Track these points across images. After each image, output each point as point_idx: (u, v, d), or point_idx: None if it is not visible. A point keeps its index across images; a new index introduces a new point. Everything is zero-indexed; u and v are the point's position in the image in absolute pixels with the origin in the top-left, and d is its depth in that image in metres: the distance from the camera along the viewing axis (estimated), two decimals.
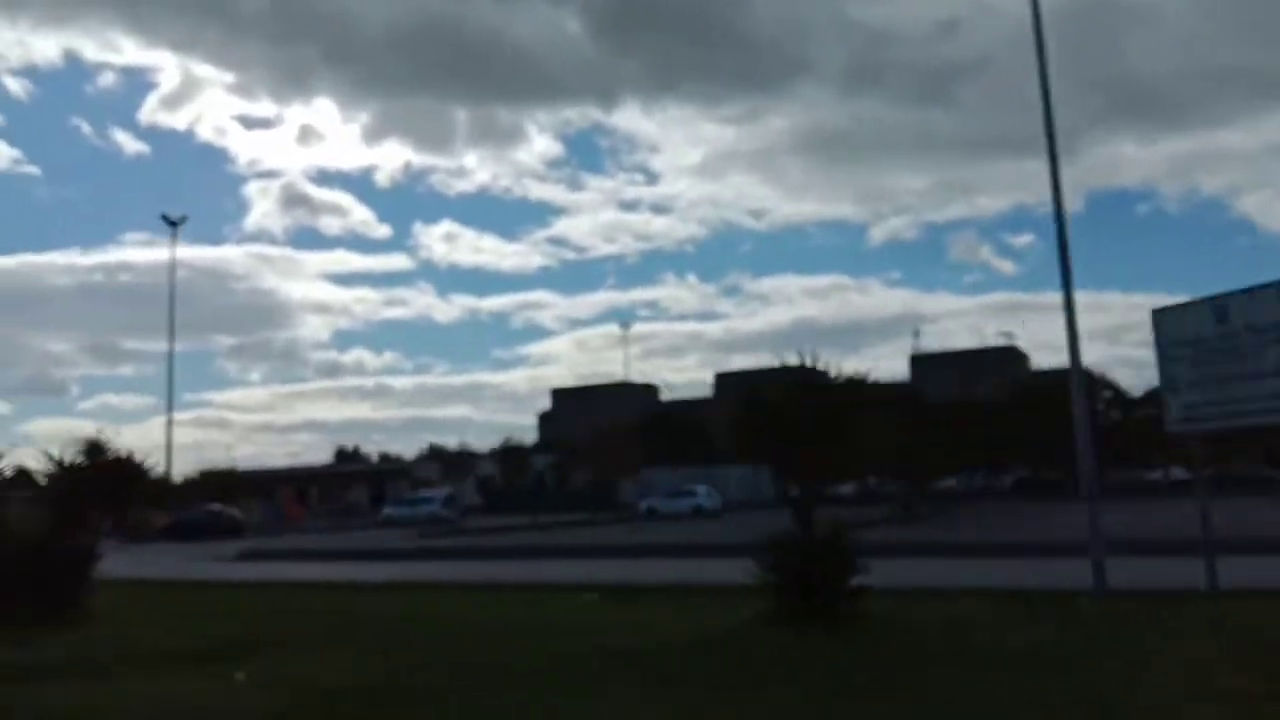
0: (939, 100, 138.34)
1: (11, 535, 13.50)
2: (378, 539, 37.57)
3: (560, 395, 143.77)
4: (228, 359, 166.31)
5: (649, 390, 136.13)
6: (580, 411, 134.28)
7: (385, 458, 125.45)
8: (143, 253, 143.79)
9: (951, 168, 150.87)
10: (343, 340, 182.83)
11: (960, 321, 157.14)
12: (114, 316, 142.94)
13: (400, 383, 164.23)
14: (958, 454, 57.89)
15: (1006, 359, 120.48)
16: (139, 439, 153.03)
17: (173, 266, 63.21)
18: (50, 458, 13.80)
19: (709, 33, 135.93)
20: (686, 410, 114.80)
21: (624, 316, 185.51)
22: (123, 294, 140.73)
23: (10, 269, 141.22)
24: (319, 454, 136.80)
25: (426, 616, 12.48)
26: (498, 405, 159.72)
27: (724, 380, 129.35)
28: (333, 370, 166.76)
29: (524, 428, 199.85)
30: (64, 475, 13.80)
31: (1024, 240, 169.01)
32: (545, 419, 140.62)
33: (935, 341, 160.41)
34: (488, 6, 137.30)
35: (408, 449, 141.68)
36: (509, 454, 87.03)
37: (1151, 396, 71.14)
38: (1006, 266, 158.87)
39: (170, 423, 58.97)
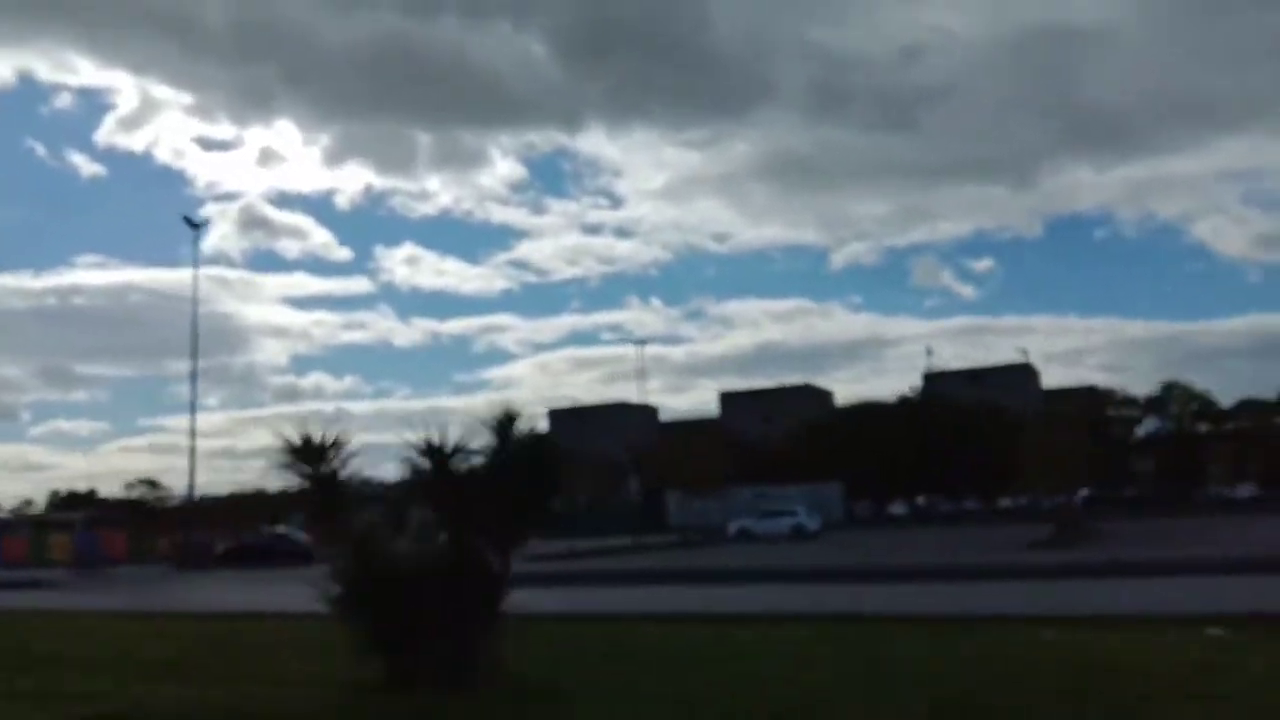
0: (901, 126, 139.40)
1: (404, 560, 9.42)
2: None
3: (557, 416, 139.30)
4: (184, 383, 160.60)
5: (647, 411, 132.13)
6: (579, 433, 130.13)
7: (366, 482, 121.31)
8: (96, 275, 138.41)
9: (912, 193, 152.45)
10: (301, 364, 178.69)
11: (922, 345, 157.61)
12: (67, 340, 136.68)
13: (360, 407, 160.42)
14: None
15: (1019, 376, 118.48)
16: (93, 466, 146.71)
17: (195, 272, 58.49)
18: (432, 445, 9.66)
19: (673, 57, 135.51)
20: (692, 430, 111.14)
21: (587, 340, 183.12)
22: (76, 318, 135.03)
23: None
24: (277, 480, 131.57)
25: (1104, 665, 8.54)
26: (459, 431, 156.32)
27: (731, 400, 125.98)
28: (291, 395, 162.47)
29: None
30: (453, 469, 9.67)
31: (984, 265, 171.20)
32: None
33: (897, 365, 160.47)
34: (451, 28, 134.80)
35: (372, 475, 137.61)
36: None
37: (1246, 406, 67.82)
38: (967, 291, 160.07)
39: (193, 450, 53.91)
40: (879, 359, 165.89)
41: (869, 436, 67.25)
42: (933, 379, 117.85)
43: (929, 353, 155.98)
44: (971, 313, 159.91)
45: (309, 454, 10.06)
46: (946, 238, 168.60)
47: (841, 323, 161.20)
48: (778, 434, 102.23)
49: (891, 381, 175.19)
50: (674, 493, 66.08)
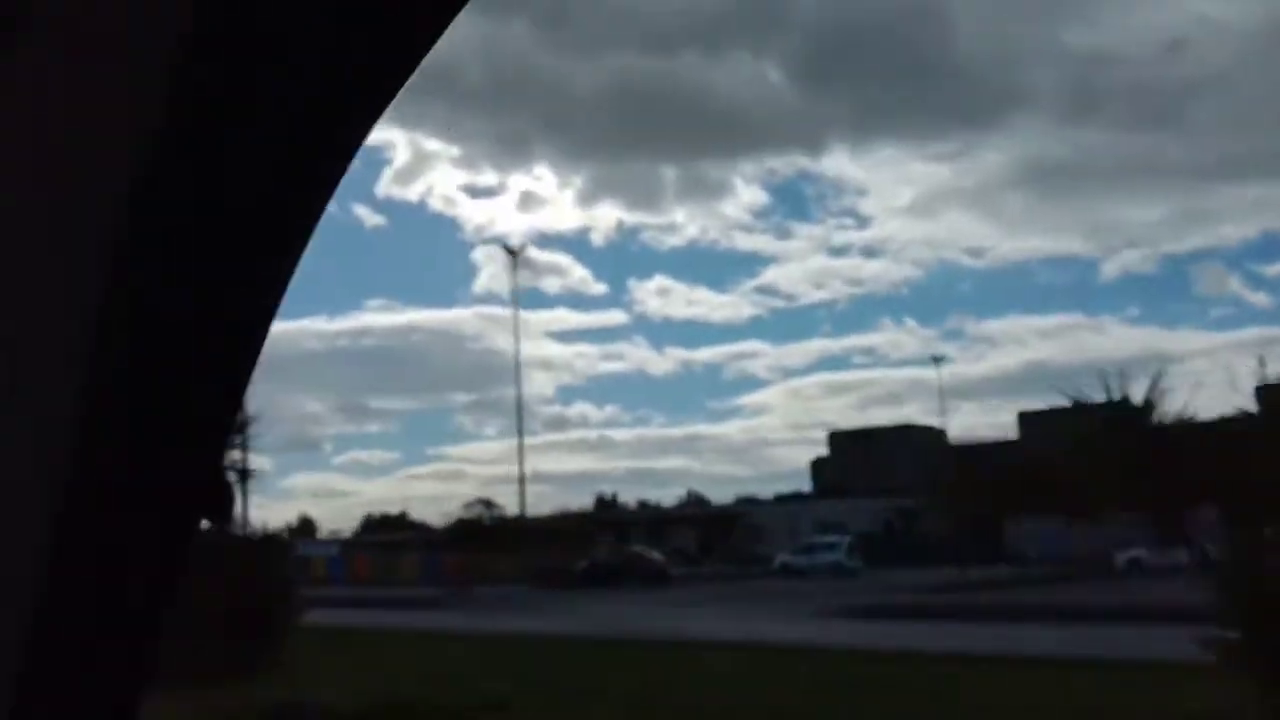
0: (1169, 124, 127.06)
1: None
2: (841, 591, 30.81)
3: (837, 439, 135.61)
4: (463, 414, 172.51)
5: (933, 433, 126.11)
6: (862, 456, 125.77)
7: (644, 505, 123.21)
8: (382, 317, 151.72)
9: (1187, 195, 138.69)
10: (567, 395, 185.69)
11: (1212, 360, 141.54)
12: (360, 378, 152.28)
13: (621, 435, 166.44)
14: None
15: None
16: (390, 492, 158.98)
17: (514, 294, 59.60)
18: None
19: (914, 71, 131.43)
20: (991, 455, 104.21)
21: (838, 364, 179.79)
22: (366, 356, 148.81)
23: (270, 336, 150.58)
24: (548, 504, 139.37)
25: None
26: (715, 457, 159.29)
27: (1030, 420, 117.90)
28: (559, 424, 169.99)
29: (743, 479, 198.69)
30: None
31: (1278, 270, 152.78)
32: (819, 465, 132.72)
33: (1185, 380, 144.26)
34: (692, 64, 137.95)
35: (634, 499, 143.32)
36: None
37: None
38: (1260, 299, 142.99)
39: (521, 475, 54.14)
40: (1164, 375, 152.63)
41: (1215, 457, 59.44)
42: (1268, 392, 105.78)
43: (1262, 364, 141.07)
44: (1268, 322, 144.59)
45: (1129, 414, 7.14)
46: (1231, 241, 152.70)
47: (1118, 337, 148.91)
48: (1082, 457, 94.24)
49: (1181, 399, 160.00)
50: (1016, 518, 61.00)
